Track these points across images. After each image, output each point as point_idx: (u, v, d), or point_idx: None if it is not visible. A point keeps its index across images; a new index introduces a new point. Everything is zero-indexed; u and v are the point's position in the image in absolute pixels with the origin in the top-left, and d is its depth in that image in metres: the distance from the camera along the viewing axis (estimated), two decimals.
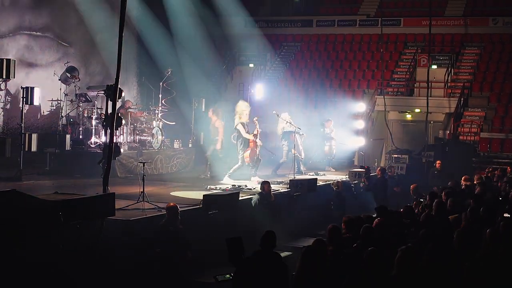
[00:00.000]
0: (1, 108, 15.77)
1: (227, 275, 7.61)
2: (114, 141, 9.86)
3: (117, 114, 9.69)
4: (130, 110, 16.25)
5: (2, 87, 15.54)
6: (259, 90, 22.42)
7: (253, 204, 11.56)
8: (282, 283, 7.14)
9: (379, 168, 16.69)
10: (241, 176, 14.77)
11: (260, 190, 12.05)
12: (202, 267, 9.52)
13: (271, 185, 14.03)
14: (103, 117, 11.84)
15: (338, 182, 14.77)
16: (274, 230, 7.44)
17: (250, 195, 12.16)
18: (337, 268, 6.96)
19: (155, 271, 8.77)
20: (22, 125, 13.76)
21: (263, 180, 12.63)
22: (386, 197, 15.22)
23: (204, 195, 10.43)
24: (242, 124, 14.74)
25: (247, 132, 14.66)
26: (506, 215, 9.81)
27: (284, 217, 12.26)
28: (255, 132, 14.87)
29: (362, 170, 16.48)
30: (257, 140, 14.84)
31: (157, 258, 8.90)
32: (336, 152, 19.48)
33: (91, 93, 15.90)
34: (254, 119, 15.01)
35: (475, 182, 14.22)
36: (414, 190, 13.96)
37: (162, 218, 9.34)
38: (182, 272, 9.16)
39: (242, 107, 14.79)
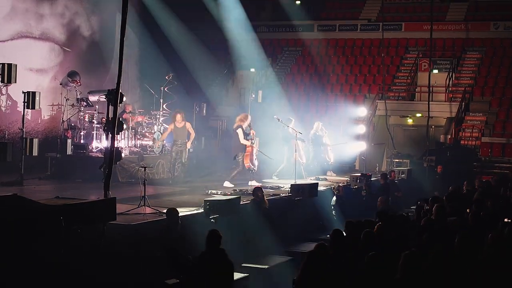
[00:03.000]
0: (2, 112, 15.79)
1: (176, 279, 8.02)
2: (115, 145, 9.86)
3: (119, 118, 9.69)
4: (131, 114, 16.26)
5: (4, 91, 15.55)
6: (260, 94, 22.41)
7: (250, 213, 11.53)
8: (228, 279, 7.57)
9: (381, 174, 16.65)
10: (240, 180, 14.79)
11: (253, 197, 11.92)
12: None
13: (273, 190, 14.10)
14: (104, 121, 11.84)
15: (339, 186, 14.76)
16: (272, 235, 7.53)
17: (249, 199, 12.11)
18: (339, 272, 6.96)
19: (156, 275, 8.76)
20: (23, 129, 13.77)
21: (256, 186, 12.60)
22: (388, 203, 15.16)
23: (205, 200, 10.43)
24: (242, 129, 14.78)
25: (244, 138, 14.73)
26: (506, 220, 9.80)
27: (281, 222, 12.22)
28: (250, 135, 14.99)
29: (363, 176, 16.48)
30: (252, 143, 14.89)
31: (158, 262, 8.89)
32: (334, 156, 19.37)
33: (92, 98, 15.91)
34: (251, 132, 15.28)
35: (476, 187, 14.22)
36: (382, 202, 13.41)
37: (163, 222, 9.34)
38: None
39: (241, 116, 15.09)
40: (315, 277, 6.60)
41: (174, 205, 10.41)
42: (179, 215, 9.40)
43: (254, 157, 15.02)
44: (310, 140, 18.65)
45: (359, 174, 16.57)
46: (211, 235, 7.69)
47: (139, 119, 16.50)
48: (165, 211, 9.56)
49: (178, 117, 15.36)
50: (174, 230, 9.15)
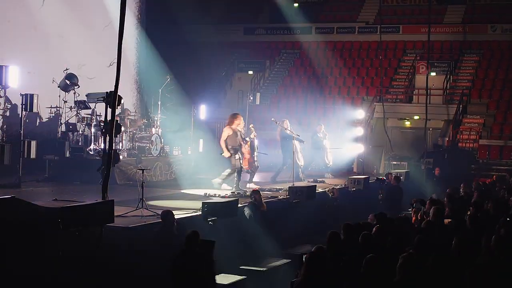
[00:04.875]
0: (0, 115, 15.77)
1: None
2: (113, 148, 9.86)
3: (116, 121, 9.70)
4: (129, 117, 16.26)
5: (2, 94, 15.53)
6: (258, 97, 22.44)
7: (247, 217, 11.51)
8: (207, 278, 7.85)
9: (393, 176, 16.73)
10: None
11: (251, 200, 11.90)
12: None
13: (271, 192, 14.09)
14: (102, 124, 11.84)
15: (334, 189, 14.75)
16: (269, 238, 7.54)
17: (247, 202, 12.11)
18: (336, 275, 6.97)
19: (152, 277, 8.76)
20: (22, 132, 13.74)
21: (253, 189, 12.60)
22: (400, 204, 15.16)
23: (203, 202, 10.43)
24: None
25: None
26: (508, 219, 9.82)
27: (279, 225, 12.22)
28: (251, 136, 14.97)
29: (362, 177, 16.53)
30: (245, 146, 14.83)
31: (153, 264, 8.89)
32: (333, 159, 19.39)
33: (90, 100, 15.90)
34: (250, 126, 15.16)
35: (473, 189, 14.24)
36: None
37: (158, 224, 9.34)
38: None
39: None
40: (313, 280, 6.60)
41: (172, 207, 10.42)
42: (175, 217, 9.40)
43: (254, 159, 14.98)
44: (312, 142, 18.67)
45: (357, 176, 16.61)
46: (191, 236, 7.94)
47: (137, 122, 16.49)
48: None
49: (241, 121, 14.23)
50: (169, 231, 9.15)
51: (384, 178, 17.25)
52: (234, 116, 14.30)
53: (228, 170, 14.41)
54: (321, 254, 6.98)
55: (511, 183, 16.41)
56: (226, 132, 14.02)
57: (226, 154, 13.94)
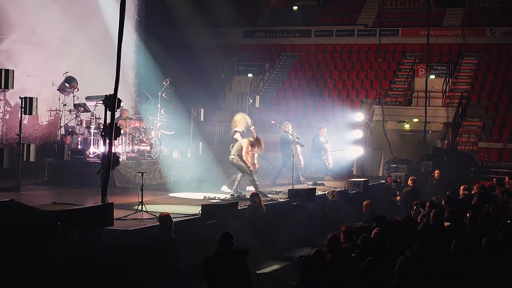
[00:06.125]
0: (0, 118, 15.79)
1: None
2: (113, 151, 9.86)
3: (116, 124, 9.69)
4: (127, 119, 16.25)
5: (1, 97, 15.54)
6: (257, 100, 22.44)
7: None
8: (242, 279, 7.62)
9: (410, 178, 16.78)
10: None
11: (250, 203, 11.95)
12: (197, 276, 9.50)
13: (270, 195, 14.09)
14: (102, 127, 11.85)
15: (333, 191, 14.75)
16: (268, 241, 7.51)
17: (246, 205, 12.11)
18: (336, 278, 6.96)
19: (150, 280, 8.76)
20: (21, 135, 13.74)
21: (253, 192, 12.62)
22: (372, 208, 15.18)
23: (202, 205, 10.43)
24: (240, 133, 14.76)
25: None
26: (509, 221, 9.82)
27: (278, 227, 12.22)
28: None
29: (361, 180, 16.54)
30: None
31: (152, 267, 8.89)
32: (333, 161, 19.38)
33: (90, 103, 15.91)
34: (251, 128, 15.18)
35: (472, 192, 14.23)
36: (367, 207, 12.88)
37: (156, 227, 9.34)
38: (176, 282, 9.15)
39: (238, 117, 14.97)
40: (313, 283, 6.60)
41: (172, 210, 10.41)
42: (173, 220, 9.40)
43: (255, 160, 14.97)
44: (312, 145, 18.67)
45: (357, 179, 16.61)
46: (224, 237, 7.79)
47: (136, 124, 16.50)
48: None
49: None
50: (167, 234, 9.15)
51: (400, 180, 17.38)
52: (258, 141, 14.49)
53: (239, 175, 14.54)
54: (317, 257, 6.97)
55: (510, 185, 16.38)
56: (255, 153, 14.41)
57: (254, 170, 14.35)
